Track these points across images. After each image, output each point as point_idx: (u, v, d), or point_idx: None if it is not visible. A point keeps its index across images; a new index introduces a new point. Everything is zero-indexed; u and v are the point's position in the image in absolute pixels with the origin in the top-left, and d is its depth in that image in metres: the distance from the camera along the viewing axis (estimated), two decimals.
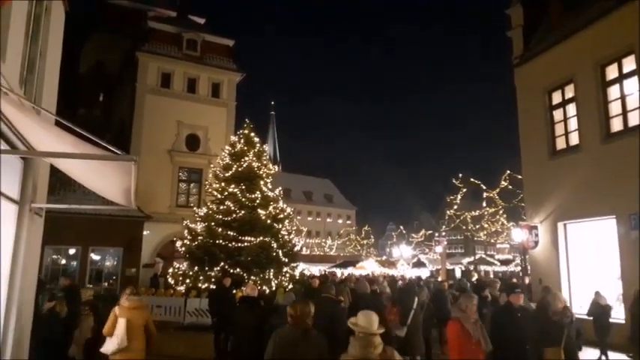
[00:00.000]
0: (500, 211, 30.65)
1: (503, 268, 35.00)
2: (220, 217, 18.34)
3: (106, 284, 20.38)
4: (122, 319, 6.24)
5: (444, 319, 11.11)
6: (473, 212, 34.04)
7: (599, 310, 10.08)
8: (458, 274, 28.65)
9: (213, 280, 17.02)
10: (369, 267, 31.46)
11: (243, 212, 18.25)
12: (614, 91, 12.24)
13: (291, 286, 17.25)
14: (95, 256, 20.69)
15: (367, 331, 3.74)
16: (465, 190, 31.85)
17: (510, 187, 26.78)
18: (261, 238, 17.74)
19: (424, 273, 30.05)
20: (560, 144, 13.87)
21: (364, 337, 3.72)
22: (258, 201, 18.74)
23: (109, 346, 6.22)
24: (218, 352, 10.23)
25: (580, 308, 11.11)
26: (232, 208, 18.29)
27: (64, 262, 20.26)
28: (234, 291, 13.61)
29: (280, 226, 19.20)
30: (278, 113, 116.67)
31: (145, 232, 21.84)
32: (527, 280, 15.37)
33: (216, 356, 10.26)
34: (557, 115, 14.08)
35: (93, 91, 32.81)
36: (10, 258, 5.56)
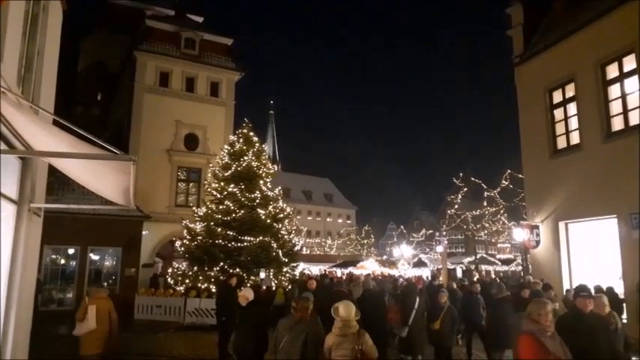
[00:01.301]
0: (501, 211, 30.60)
1: (505, 268, 35.01)
2: (220, 216, 18.31)
3: (106, 284, 20.31)
4: (92, 306, 7.45)
5: (474, 326, 10.53)
6: (474, 211, 34.00)
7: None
8: (459, 273, 28.63)
9: (212, 280, 16.99)
10: (369, 267, 31.42)
11: (242, 212, 18.22)
12: (614, 90, 12.20)
13: (290, 287, 17.21)
14: (94, 256, 20.63)
15: (346, 318, 4.95)
16: (465, 189, 31.82)
17: (511, 186, 26.71)
18: (261, 237, 17.71)
19: (425, 272, 30.02)
20: (561, 143, 13.82)
21: (344, 321, 4.95)
22: (257, 200, 18.71)
23: (80, 329, 7.36)
24: (222, 353, 10.19)
25: None
26: (232, 207, 18.26)
27: (63, 261, 20.20)
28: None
29: (280, 225, 19.18)
30: (277, 112, 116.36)
31: (144, 232, 21.79)
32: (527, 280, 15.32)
33: (220, 356, 10.22)
34: (558, 114, 14.03)
35: (91, 90, 32.75)
36: (9, 258, 5.52)
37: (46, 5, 6.90)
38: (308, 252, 47.17)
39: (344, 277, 23.65)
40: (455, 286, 13.19)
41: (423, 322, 9.19)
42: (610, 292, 10.60)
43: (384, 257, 47.49)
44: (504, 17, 16.56)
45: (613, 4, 12.11)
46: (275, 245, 18.13)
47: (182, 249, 18.65)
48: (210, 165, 22.25)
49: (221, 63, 27.82)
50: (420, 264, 35.20)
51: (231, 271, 16.40)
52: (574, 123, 13.43)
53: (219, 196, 19.02)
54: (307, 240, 55.38)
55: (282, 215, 19.56)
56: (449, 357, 9.31)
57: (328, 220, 79.83)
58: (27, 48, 6.39)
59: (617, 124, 12.04)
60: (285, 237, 19.23)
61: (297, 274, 19.93)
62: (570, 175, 13.15)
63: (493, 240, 36.26)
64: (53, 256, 19.84)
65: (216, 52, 27.91)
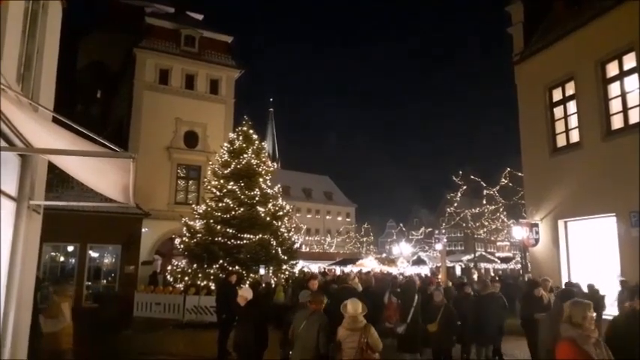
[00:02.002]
0: (501, 209, 30.62)
1: (504, 266, 35.04)
2: (219, 214, 18.33)
3: (105, 282, 20.35)
4: (66, 303, 7.84)
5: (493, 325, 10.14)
6: (473, 210, 34.03)
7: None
8: (458, 271, 28.63)
9: (212, 277, 17.01)
10: (368, 264, 31.44)
11: (242, 209, 18.23)
12: (614, 89, 12.20)
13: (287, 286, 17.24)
14: (94, 254, 20.63)
15: (353, 314, 5.63)
16: (465, 187, 31.84)
17: (510, 184, 26.72)
18: (261, 235, 17.74)
19: (424, 270, 30.03)
20: (561, 141, 13.83)
21: (352, 317, 5.63)
22: (257, 198, 18.73)
23: (54, 325, 7.60)
24: (221, 350, 10.21)
25: None
26: (231, 205, 18.27)
27: (62, 259, 20.20)
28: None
29: (279, 223, 19.20)
30: (276, 110, 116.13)
31: (143, 230, 21.79)
32: (526, 278, 15.37)
33: (219, 354, 10.24)
34: (558, 112, 14.04)
35: (91, 88, 32.70)
36: (8, 256, 5.51)
37: (45, 3, 6.88)
38: (307, 250, 47.19)
39: (327, 274, 23.52)
40: (450, 284, 13.13)
41: (420, 319, 9.14)
42: (591, 289, 10.69)
43: (384, 255, 47.53)
44: (505, 15, 16.56)
45: (613, 3, 12.10)
46: (274, 243, 18.15)
47: (181, 246, 18.67)
48: (210, 162, 22.24)
49: (221, 60, 27.78)
50: (419, 262, 35.22)
51: (230, 268, 16.43)
52: (574, 121, 13.43)
53: (218, 193, 19.03)
54: (307, 238, 55.41)
55: (281, 213, 19.57)
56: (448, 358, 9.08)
57: (328, 217, 79.86)
58: (26, 46, 6.38)
59: (617, 122, 12.04)
60: (285, 235, 19.25)
61: (297, 272, 19.94)
62: (570, 173, 13.16)
63: (492, 238, 36.33)
64: (52, 254, 19.85)
65: (215, 49, 27.87)
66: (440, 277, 20.04)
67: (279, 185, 20.71)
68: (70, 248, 19.99)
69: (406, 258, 36.02)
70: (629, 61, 11.69)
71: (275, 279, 17.60)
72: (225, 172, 19.31)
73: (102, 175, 5.05)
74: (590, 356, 3.78)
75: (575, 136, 13.33)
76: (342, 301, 6.32)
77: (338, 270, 30.14)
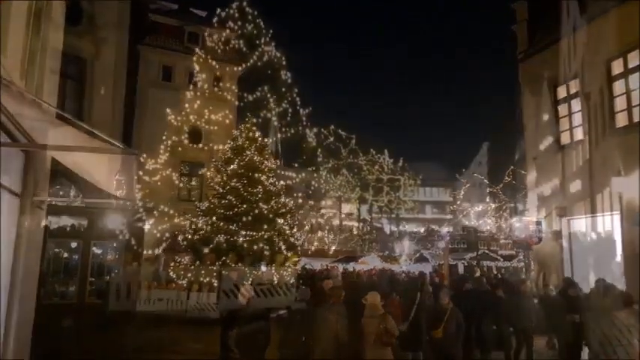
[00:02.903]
0: (504, 207, 30.60)
1: (507, 264, 34.97)
2: (222, 211, 18.33)
3: (108, 278, 20.36)
4: None
5: (523, 330, 9.23)
6: (476, 207, 34.01)
7: None
8: (461, 269, 28.63)
9: (214, 274, 17.05)
10: (371, 262, 31.48)
11: (244, 207, 18.22)
12: (619, 86, 12.16)
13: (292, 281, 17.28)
14: (97, 250, 20.63)
15: (373, 303, 6.78)
16: (468, 185, 31.83)
17: (514, 182, 26.69)
18: (263, 232, 17.73)
19: (427, 268, 30.06)
20: (565, 139, 13.81)
21: (372, 306, 6.76)
22: (259, 195, 18.70)
23: None
24: (224, 347, 10.22)
25: None
26: (234, 202, 18.27)
27: (66, 255, 20.21)
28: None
29: (282, 220, 19.19)
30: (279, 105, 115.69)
31: (146, 226, 21.78)
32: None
33: (221, 350, 10.26)
34: (562, 110, 14.01)
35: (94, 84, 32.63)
36: (12, 251, 5.53)
37: (49, 1, 6.89)
38: (310, 247, 47.19)
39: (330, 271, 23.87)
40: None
41: (423, 316, 9.09)
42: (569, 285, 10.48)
43: (386, 252, 47.53)
44: (510, 12, 16.51)
45: (617, 2, 12.05)
46: (277, 240, 18.16)
47: (184, 243, 18.70)
48: (213, 159, 22.23)
49: (224, 57, 27.69)
50: (421, 259, 35.22)
51: (233, 265, 16.45)
52: (578, 119, 13.40)
53: (221, 190, 19.02)
54: (309, 235, 55.37)
55: (284, 210, 19.56)
56: None
57: (331, 215, 79.72)
58: (30, 42, 6.40)
59: (621, 120, 12.01)
60: (287, 232, 19.24)
61: (299, 269, 19.99)
62: (573, 170, 13.14)
63: (495, 236, 36.28)
64: (56, 250, 19.86)
65: (219, 46, 27.76)
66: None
67: (282, 182, 20.69)
68: (74, 244, 20.00)
69: (408, 256, 36.03)
70: (634, 58, 11.65)
71: (277, 276, 17.62)
72: (229, 169, 19.32)
73: (105, 171, 5.07)
74: None
75: (579, 134, 13.31)
76: None
77: (340, 267, 30.20)
